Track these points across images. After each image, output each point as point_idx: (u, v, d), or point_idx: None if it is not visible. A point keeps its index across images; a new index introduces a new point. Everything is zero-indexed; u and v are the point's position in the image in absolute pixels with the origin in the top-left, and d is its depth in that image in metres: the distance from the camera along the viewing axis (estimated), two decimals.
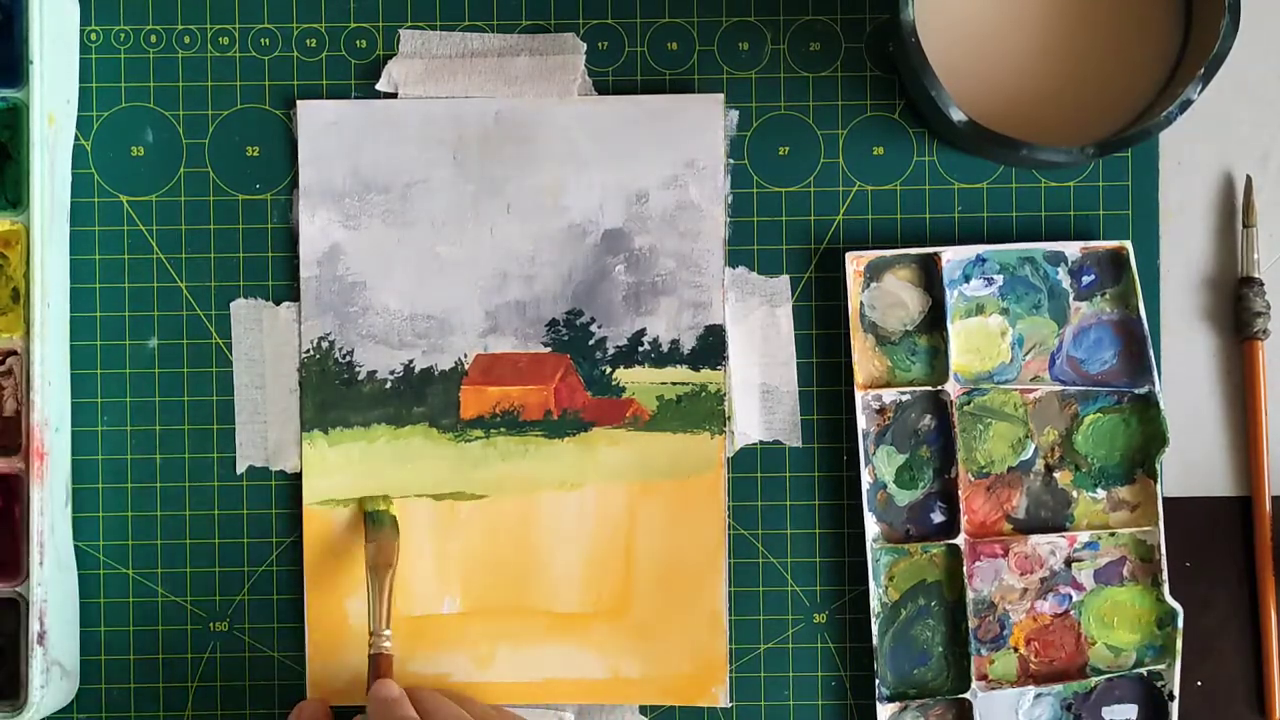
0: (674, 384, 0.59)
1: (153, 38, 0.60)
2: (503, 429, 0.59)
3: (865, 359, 0.59)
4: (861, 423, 0.58)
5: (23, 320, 0.56)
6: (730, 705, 0.59)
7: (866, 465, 0.58)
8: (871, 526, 0.58)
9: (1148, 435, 0.58)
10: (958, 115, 0.52)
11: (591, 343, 0.59)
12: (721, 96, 0.59)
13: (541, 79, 0.59)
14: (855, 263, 0.58)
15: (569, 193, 0.59)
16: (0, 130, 0.56)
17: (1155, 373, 0.58)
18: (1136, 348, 0.59)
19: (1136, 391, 0.58)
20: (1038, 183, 0.60)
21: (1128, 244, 0.58)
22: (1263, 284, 0.59)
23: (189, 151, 0.60)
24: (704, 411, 0.59)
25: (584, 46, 0.59)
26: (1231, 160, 0.60)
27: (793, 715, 0.59)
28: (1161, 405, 0.58)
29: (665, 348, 0.59)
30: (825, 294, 0.59)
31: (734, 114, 0.59)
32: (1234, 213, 0.60)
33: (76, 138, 0.59)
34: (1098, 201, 0.59)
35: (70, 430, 0.59)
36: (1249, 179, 0.59)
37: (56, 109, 0.57)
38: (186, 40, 0.60)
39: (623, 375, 0.59)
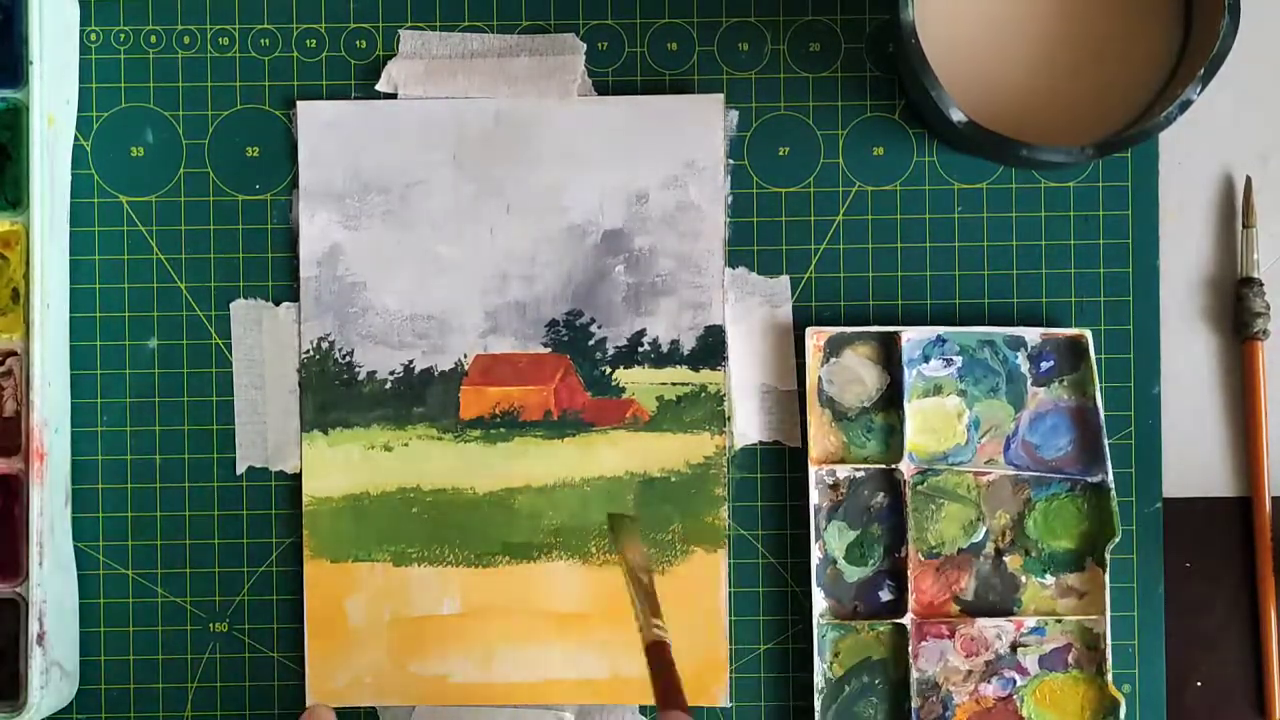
0: (674, 384, 0.59)
1: (153, 38, 0.60)
2: (503, 429, 0.59)
3: (821, 434, 0.59)
4: (814, 498, 0.58)
5: (23, 320, 0.55)
6: (730, 705, 0.59)
7: (817, 540, 0.58)
8: (819, 602, 0.58)
9: (1099, 524, 0.58)
10: (958, 115, 0.52)
11: (591, 343, 0.59)
12: (721, 97, 0.59)
13: (541, 79, 0.59)
14: (815, 338, 0.58)
15: (569, 193, 0.59)
16: (0, 130, 0.56)
17: (1108, 462, 0.58)
18: (1092, 436, 0.58)
19: (1090, 480, 0.58)
20: (1038, 183, 0.60)
21: (1087, 332, 0.58)
22: (1263, 284, 0.59)
23: (189, 152, 0.60)
24: (704, 412, 0.59)
25: (584, 47, 0.59)
26: (1231, 160, 0.60)
27: (792, 716, 0.59)
28: (1113, 496, 0.58)
29: (665, 348, 0.59)
30: (825, 294, 0.59)
31: (734, 114, 0.59)
32: (1234, 213, 0.60)
33: (76, 138, 0.59)
34: (1098, 201, 0.59)
35: (70, 430, 0.59)
36: (1249, 179, 0.59)
37: (56, 109, 0.57)
38: (186, 40, 0.60)
39: (623, 376, 0.59)
